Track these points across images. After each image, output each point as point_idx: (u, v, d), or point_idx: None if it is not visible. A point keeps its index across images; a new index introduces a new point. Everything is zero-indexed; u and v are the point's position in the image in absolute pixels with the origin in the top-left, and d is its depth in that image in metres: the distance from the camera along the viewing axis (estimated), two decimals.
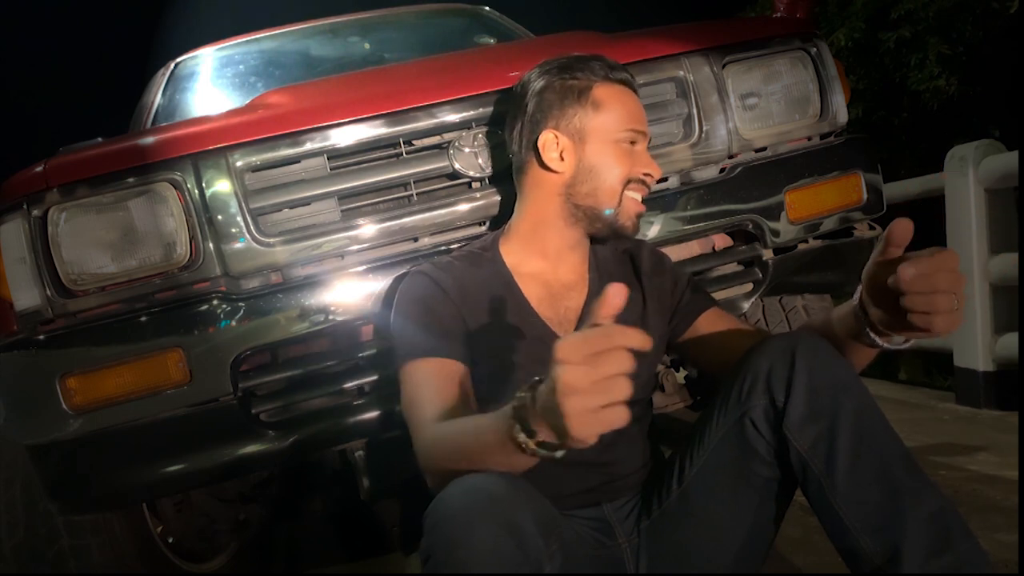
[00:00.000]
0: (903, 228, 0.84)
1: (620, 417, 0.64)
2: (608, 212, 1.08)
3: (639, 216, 1.11)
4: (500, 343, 1.05)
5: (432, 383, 0.99)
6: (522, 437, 0.72)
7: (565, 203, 1.09)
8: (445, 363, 1.00)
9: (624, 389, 0.63)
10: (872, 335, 0.90)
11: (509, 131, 1.15)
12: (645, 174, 1.10)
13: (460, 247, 1.17)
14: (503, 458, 0.77)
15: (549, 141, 1.09)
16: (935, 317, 0.80)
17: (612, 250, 1.19)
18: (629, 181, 1.09)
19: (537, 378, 0.72)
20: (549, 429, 0.69)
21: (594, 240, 1.15)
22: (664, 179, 1.36)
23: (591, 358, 0.63)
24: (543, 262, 1.12)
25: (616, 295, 0.67)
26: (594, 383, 0.63)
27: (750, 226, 1.36)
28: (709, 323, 1.14)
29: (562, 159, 1.09)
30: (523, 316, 1.08)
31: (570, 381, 0.63)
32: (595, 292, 1.11)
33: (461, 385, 1.00)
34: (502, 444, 0.74)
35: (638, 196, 1.11)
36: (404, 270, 1.19)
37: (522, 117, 1.12)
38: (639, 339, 0.64)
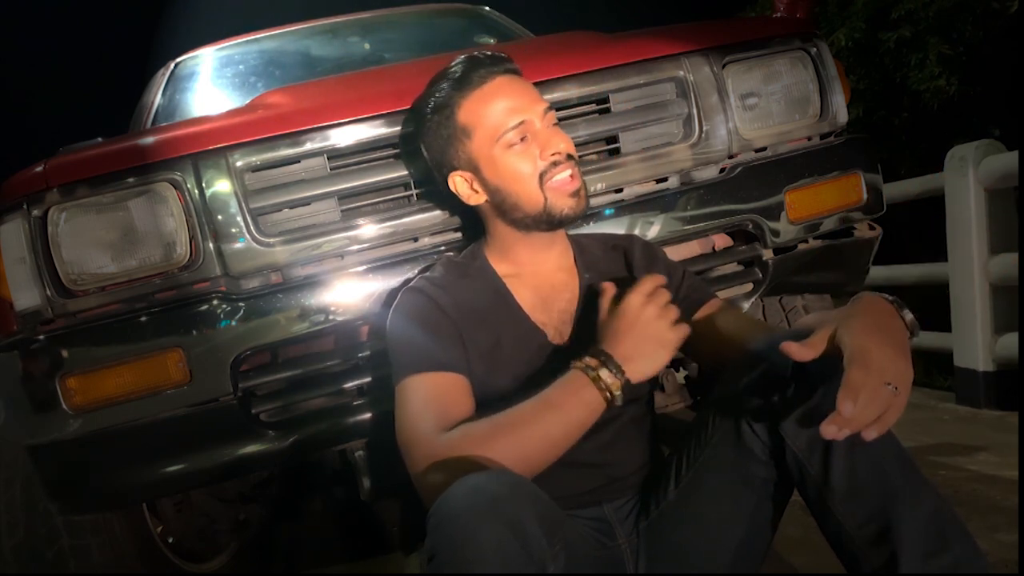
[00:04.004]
0: (794, 352, 0.83)
1: (685, 328, 0.97)
2: (539, 212, 1.06)
3: (577, 191, 1.06)
4: (499, 355, 1.05)
5: (439, 396, 0.97)
6: (612, 379, 0.91)
7: (504, 222, 1.10)
8: (450, 376, 0.99)
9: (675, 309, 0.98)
10: None
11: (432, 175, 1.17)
12: (552, 155, 1.05)
13: (445, 257, 1.17)
14: (578, 412, 0.90)
15: (458, 183, 1.11)
16: (885, 416, 0.77)
17: (603, 247, 1.18)
18: (542, 175, 1.05)
19: (590, 348, 0.94)
20: (641, 357, 0.93)
21: (571, 231, 1.15)
22: (664, 179, 1.36)
23: (652, 296, 0.97)
24: (527, 268, 1.11)
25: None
26: (663, 308, 0.96)
27: (750, 226, 1.36)
28: (709, 316, 1.10)
29: (476, 191, 1.10)
30: (519, 325, 1.08)
31: (653, 312, 0.95)
32: (586, 293, 1.11)
33: (468, 399, 0.99)
34: (580, 397, 0.90)
35: (564, 174, 1.05)
36: (402, 271, 1.19)
37: (430, 166, 1.15)
38: (660, 280, 0.99)
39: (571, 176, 1.06)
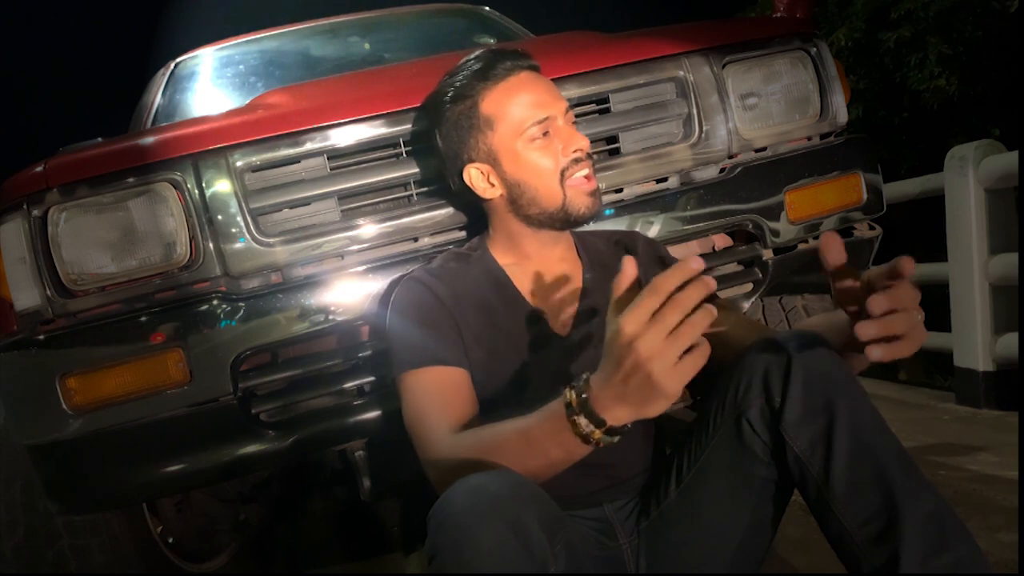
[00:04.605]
0: (833, 248, 0.80)
1: (702, 355, 0.69)
2: (557, 208, 1.07)
3: (594, 192, 1.08)
4: (498, 340, 1.05)
5: (437, 392, 0.98)
6: (589, 428, 0.75)
7: (516, 217, 1.10)
8: (447, 371, 1.00)
9: (694, 328, 0.68)
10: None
11: (440, 171, 1.17)
12: (575, 151, 1.06)
13: (450, 250, 1.17)
14: (557, 452, 0.80)
15: (473, 176, 1.10)
16: (905, 341, 0.77)
17: (606, 242, 1.19)
18: (564, 171, 1.06)
19: (585, 375, 0.76)
20: (629, 405, 0.72)
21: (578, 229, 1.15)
22: (664, 179, 1.36)
23: (653, 320, 0.68)
24: (529, 260, 1.12)
25: (629, 266, 0.74)
26: (666, 340, 0.68)
27: (750, 226, 1.36)
28: None
29: (492, 184, 1.09)
30: (519, 311, 1.08)
31: (646, 350, 0.68)
32: (590, 287, 1.11)
33: (465, 391, 1.00)
34: (558, 440, 0.78)
35: (583, 173, 1.07)
36: (402, 271, 1.19)
37: (441, 157, 1.14)
38: (684, 271, 0.68)
39: (588, 176, 1.07)
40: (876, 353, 0.76)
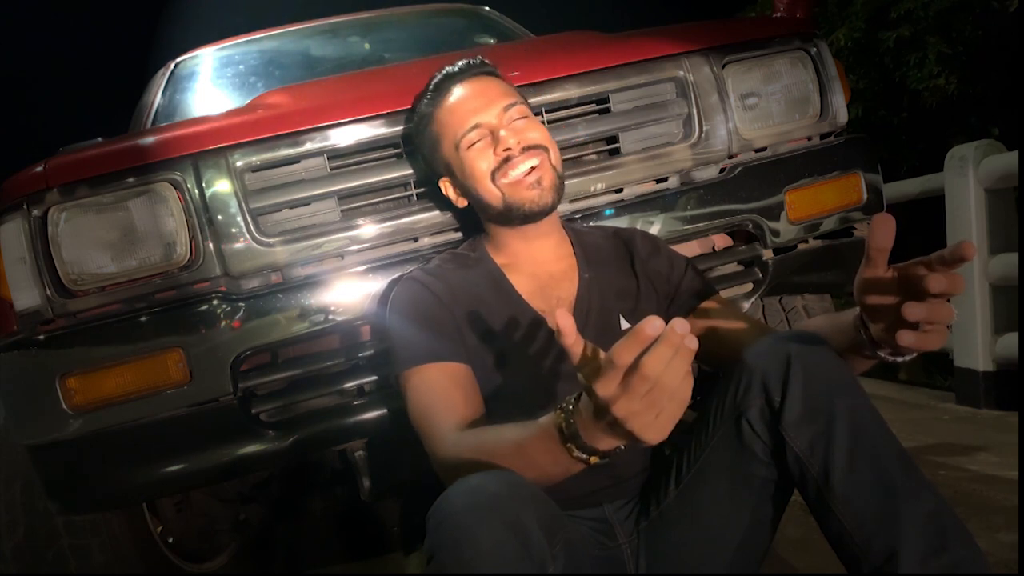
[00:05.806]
0: (886, 229, 0.79)
1: (682, 405, 0.67)
2: (502, 207, 1.09)
3: (536, 183, 1.07)
4: (497, 338, 1.06)
5: (439, 389, 0.98)
6: (582, 455, 0.74)
7: (487, 218, 1.15)
8: (448, 366, 1.00)
9: (669, 383, 0.65)
10: (876, 351, 0.87)
11: None
12: (505, 151, 1.07)
13: (448, 251, 1.19)
14: (554, 469, 0.79)
15: (446, 189, 1.17)
16: (929, 336, 0.78)
17: (604, 236, 1.19)
18: (494, 171, 1.08)
19: (573, 396, 0.74)
20: (618, 439, 0.71)
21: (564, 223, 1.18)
22: (664, 179, 1.36)
23: (628, 381, 0.65)
24: (523, 257, 1.13)
25: (564, 320, 0.69)
26: (643, 400, 0.65)
27: (750, 226, 1.36)
28: (709, 313, 1.10)
29: (458, 194, 1.15)
30: (516, 309, 1.08)
31: (622, 413, 0.66)
32: (587, 283, 1.12)
33: (467, 386, 1.00)
34: (552, 458, 0.77)
35: (521, 169, 1.06)
36: (402, 271, 1.20)
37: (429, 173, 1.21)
38: (640, 339, 0.64)
39: (530, 169, 1.07)
40: (908, 339, 0.76)
